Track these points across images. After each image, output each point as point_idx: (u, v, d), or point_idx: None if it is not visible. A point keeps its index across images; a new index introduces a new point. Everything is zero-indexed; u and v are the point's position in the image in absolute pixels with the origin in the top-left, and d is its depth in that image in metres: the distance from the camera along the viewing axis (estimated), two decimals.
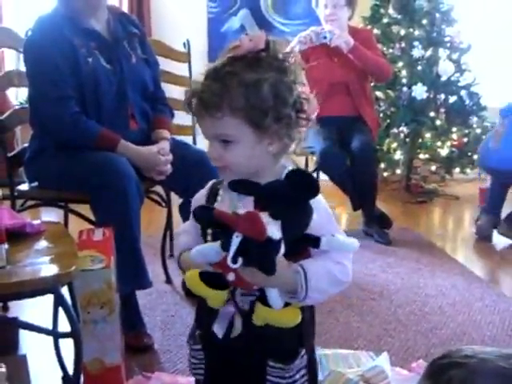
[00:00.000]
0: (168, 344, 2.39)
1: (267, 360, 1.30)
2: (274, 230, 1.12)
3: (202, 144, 3.67)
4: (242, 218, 1.12)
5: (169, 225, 3.13)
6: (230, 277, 1.17)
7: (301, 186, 1.15)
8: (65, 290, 1.74)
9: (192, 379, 2.07)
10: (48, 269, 1.63)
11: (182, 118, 3.86)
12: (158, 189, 2.87)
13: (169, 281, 3.01)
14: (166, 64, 3.91)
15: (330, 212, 1.29)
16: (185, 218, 2.76)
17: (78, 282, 1.80)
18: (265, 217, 1.12)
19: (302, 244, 1.22)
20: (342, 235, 1.24)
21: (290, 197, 1.15)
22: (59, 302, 1.63)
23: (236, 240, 1.11)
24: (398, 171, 5.09)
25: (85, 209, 2.53)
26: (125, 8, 5.20)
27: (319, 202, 1.24)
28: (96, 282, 1.88)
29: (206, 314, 1.30)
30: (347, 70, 3.78)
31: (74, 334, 1.62)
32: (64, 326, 1.75)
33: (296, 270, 1.21)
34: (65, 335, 1.68)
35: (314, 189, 1.16)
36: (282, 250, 1.14)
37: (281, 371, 1.30)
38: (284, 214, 1.14)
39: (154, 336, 2.42)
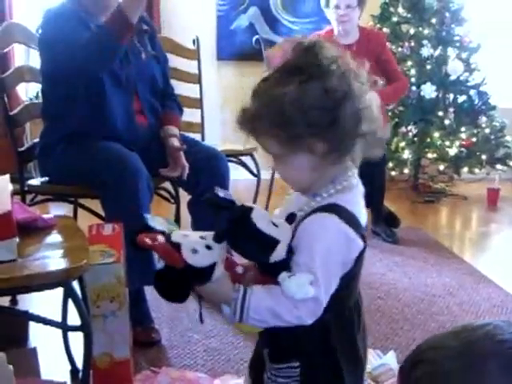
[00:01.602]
0: (175, 339, 2.40)
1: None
2: (202, 257, 1.17)
3: (211, 141, 3.73)
4: (157, 248, 1.19)
5: (177, 221, 3.14)
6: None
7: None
8: (75, 284, 1.75)
9: (199, 375, 2.10)
10: (59, 263, 1.63)
11: (191, 115, 3.90)
12: (167, 185, 2.88)
13: None
14: (175, 61, 3.93)
15: (313, 246, 1.18)
16: (193, 215, 2.77)
17: (88, 276, 1.81)
18: (200, 243, 1.18)
19: (273, 269, 1.19)
20: (305, 278, 1.15)
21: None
22: (70, 295, 1.64)
23: (158, 264, 1.22)
24: (406, 170, 5.08)
25: (94, 204, 2.54)
26: None
27: (311, 233, 1.19)
28: (106, 277, 1.89)
29: None
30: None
31: (84, 328, 1.63)
32: (73, 319, 1.76)
33: (234, 296, 1.19)
34: (75, 328, 1.68)
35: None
36: (219, 272, 1.19)
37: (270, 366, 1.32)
38: (232, 241, 1.18)
39: (161, 331, 2.43)
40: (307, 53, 1.19)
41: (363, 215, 1.27)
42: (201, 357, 2.27)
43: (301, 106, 1.15)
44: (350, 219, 1.20)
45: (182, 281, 1.19)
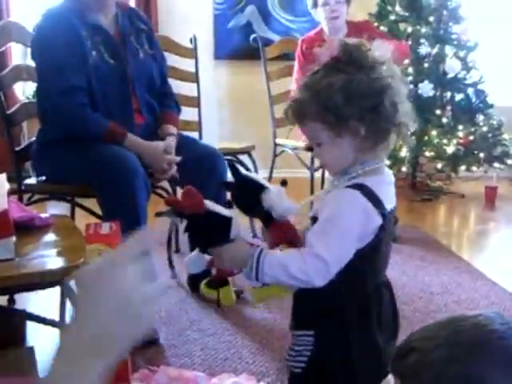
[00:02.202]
0: (173, 339, 2.40)
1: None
2: (222, 209, 1.35)
3: (209, 140, 3.72)
4: (182, 195, 1.33)
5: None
6: (213, 270, 1.38)
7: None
8: (72, 283, 1.74)
9: (197, 374, 2.10)
10: (56, 261, 1.63)
11: (189, 113, 3.89)
12: (164, 184, 2.88)
13: (174, 276, 3.01)
14: (172, 60, 3.92)
15: (331, 214, 1.30)
16: None
17: None
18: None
19: None
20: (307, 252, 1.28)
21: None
22: (67, 294, 1.63)
23: (182, 225, 1.32)
24: (404, 169, 5.08)
25: (91, 203, 2.54)
26: (132, 4, 5.21)
27: (332, 202, 1.32)
28: None
29: None
30: None
31: None
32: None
33: (251, 253, 1.31)
34: None
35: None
36: (237, 231, 1.35)
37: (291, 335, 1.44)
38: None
39: (159, 331, 2.42)
40: (354, 51, 1.33)
41: (389, 199, 1.36)
42: (198, 356, 2.27)
43: (347, 93, 1.28)
44: (371, 196, 1.30)
45: (205, 225, 1.33)
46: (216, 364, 2.22)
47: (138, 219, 2.30)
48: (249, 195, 1.41)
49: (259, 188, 1.39)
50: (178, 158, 2.56)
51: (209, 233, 1.34)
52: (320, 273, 1.27)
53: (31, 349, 2.03)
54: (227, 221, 1.34)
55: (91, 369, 0.71)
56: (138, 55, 2.65)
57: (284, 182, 1.45)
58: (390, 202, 1.35)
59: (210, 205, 1.35)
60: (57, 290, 1.70)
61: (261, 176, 1.51)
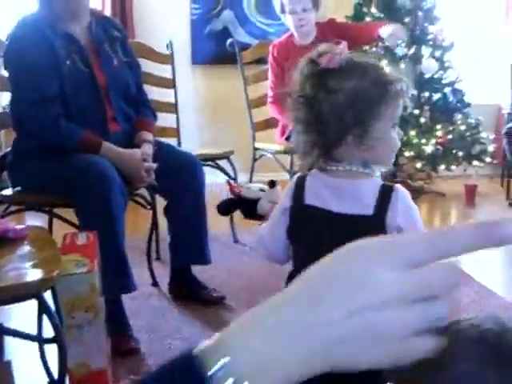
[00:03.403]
0: (155, 347, 2.38)
1: None
2: (250, 193, 1.78)
3: (188, 146, 3.71)
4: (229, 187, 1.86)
5: (154, 227, 3.12)
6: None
7: None
8: (48, 295, 1.73)
9: None
10: (31, 274, 1.61)
11: (167, 119, 3.88)
12: (143, 191, 2.87)
13: (155, 284, 2.99)
14: (149, 66, 3.91)
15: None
16: (170, 220, 2.77)
17: (61, 286, 1.79)
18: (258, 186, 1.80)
19: None
20: None
21: None
22: (42, 307, 1.62)
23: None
24: (384, 169, 5.08)
25: (69, 213, 2.52)
26: (108, 10, 5.19)
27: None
28: (80, 286, 1.86)
29: None
30: None
31: (57, 340, 1.61)
32: (50, 330, 1.74)
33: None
34: (49, 341, 1.66)
35: None
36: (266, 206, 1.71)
37: None
38: None
39: (140, 339, 2.41)
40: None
41: (324, 200, 1.38)
42: None
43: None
44: (299, 186, 1.41)
45: (232, 204, 1.86)
46: None
47: (115, 228, 2.29)
48: (247, 209, 1.78)
49: (253, 202, 1.74)
50: (155, 165, 2.55)
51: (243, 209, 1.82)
52: (257, 243, 1.54)
53: (9, 363, 2.02)
54: (253, 202, 1.75)
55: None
56: (113, 63, 2.64)
57: (272, 183, 1.71)
58: (323, 203, 1.37)
59: (245, 189, 1.80)
60: (34, 303, 1.68)
61: (243, 181, 1.62)
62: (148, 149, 2.58)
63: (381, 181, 1.36)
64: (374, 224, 1.30)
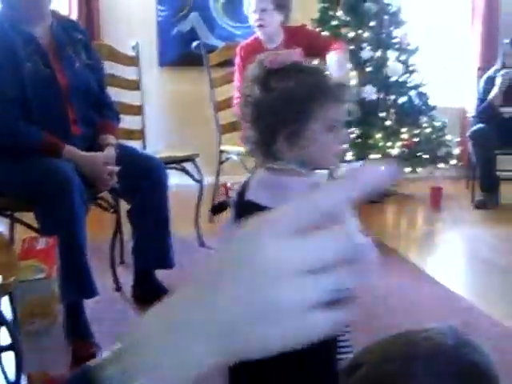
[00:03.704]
0: None
1: None
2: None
3: (154, 148, 3.69)
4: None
5: (118, 231, 3.09)
6: None
7: None
8: (6, 301, 1.70)
9: None
10: None
11: (132, 122, 3.86)
12: (106, 194, 2.84)
13: (119, 288, 2.96)
14: (115, 68, 3.88)
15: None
16: (133, 224, 2.75)
17: (18, 292, 1.77)
18: None
19: None
20: None
21: None
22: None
23: None
24: None
25: (31, 218, 2.49)
26: (74, 12, 5.15)
27: None
28: (38, 292, 1.84)
29: None
30: None
31: (13, 347, 1.59)
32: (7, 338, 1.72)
33: None
34: (6, 348, 1.64)
35: None
36: None
37: None
38: None
39: (102, 345, 2.38)
40: None
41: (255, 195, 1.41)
42: None
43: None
44: (246, 181, 1.45)
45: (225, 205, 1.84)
46: None
47: (76, 232, 2.26)
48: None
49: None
50: (117, 169, 2.53)
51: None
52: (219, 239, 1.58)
53: None
54: None
55: (196, 352, 0.49)
56: (75, 65, 2.61)
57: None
58: (259, 198, 1.39)
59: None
60: None
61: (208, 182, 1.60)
62: (110, 152, 2.56)
63: (314, 181, 1.39)
64: None
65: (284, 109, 1.33)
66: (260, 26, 3.66)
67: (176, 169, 3.58)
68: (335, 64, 3.49)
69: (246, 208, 1.44)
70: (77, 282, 2.28)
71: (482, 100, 4.97)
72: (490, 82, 4.93)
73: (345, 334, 1.46)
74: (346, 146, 1.41)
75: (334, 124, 1.38)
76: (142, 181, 2.63)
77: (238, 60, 3.85)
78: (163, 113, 5.43)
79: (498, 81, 4.81)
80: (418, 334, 0.90)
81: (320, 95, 1.34)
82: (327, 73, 1.42)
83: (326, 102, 1.34)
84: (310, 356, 1.24)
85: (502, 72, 4.82)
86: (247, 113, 1.40)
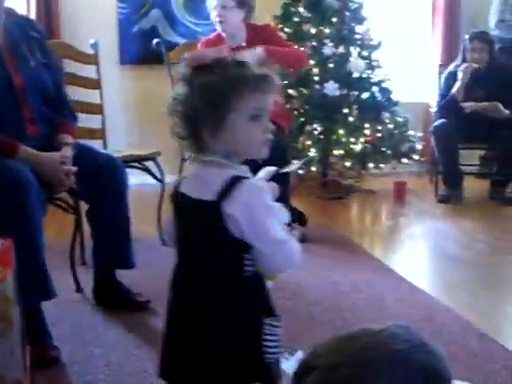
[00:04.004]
0: (76, 356, 2.32)
1: None
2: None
3: (116, 147, 3.64)
4: None
5: (78, 231, 3.04)
6: None
7: None
8: None
9: None
10: None
11: (93, 121, 3.81)
12: (65, 195, 2.79)
13: (79, 289, 2.92)
14: (74, 67, 3.83)
15: None
16: (92, 224, 2.71)
17: None
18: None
19: None
20: None
21: None
22: None
23: None
24: (314, 168, 5.11)
25: None
26: (33, 10, 5.07)
27: None
28: None
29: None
30: None
31: None
32: None
33: None
34: None
35: None
36: None
37: None
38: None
39: (62, 348, 2.34)
40: None
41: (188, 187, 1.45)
42: (102, 371, 2.20)
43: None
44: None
45: None
46: (120, 379, 2.15)
47: (33, 233, 2.22)
48: None
49: None
50: (75, 168, 2.48)
51: None
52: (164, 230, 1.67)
53: None
54: None
55: None
56: (30, 64, 2.56)
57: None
58: (189, 190, 1.44)
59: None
60: None
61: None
62: (67, 151, 2.52)
63: (237, 173, 1.39)
64: (210, 209, 1.36)
65: (203, 102, 1.36)
66: (220, 22, 3.63)
67: (138, 168, 3.54)
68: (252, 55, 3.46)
69: (180, 200, 1.46)
70: (34, 283, 2.23)
71: (443, 96, 5.00)
72: (451, 78, 4.97)
73: (275, 330, 1.46)
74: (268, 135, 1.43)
75: (257, 113, 1.39)
76: (101, 180, 2.59)
77: None
78: (124, 111, 5.37)
79: (460, 75, 4.85)
80: (372, 338, 0.89)
81: (239, 86, 1.36)
82: (251, 65, 1.41)
83: (246, 92, 1.37)
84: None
85: (462, 66, 4.86)
86: (176, 108, 1.42)
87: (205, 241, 1.42)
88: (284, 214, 1.46)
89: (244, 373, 1.43)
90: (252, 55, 1.50)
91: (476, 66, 4.83)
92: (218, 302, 1.41)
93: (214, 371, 1.42)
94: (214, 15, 3.67)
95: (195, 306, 1.44)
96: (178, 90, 1.41)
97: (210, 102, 1.36)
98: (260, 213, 1.36)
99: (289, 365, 2.02)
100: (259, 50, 3.46)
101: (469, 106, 4.80)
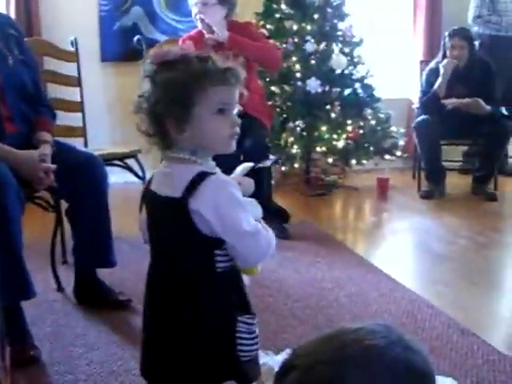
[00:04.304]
0: (57, 355, 2.30)
1: None
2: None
3: (96, 145, 3.62)
4: None
5: (59, 230, 3.01)
6: None
7: None
8: None
9: None
10: None
11: (73, 118, 3.78)
12: (45, 194, 2.77)
13: (60, 289, 2.89)
14: (55, 64, 3.81)
15: None
16: (72, 223, 2.68)
17: None
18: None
19: None
20: None
21: None
22: None
23: None
24: (297, 165, 5.10)
25: None
26: (12, 7, 5.01)
27: None
28: None
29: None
30: None
31: None
32: None
33: None
34: None
35: None
36: None
37: None
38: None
39: (42, 348, 2.32)
40: None
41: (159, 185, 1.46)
42: (83, 371, 2.18)
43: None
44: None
45: None
46: (101, 378, 2.13)
47: (11, 233, 2.19)
48: None
49: None
50: (54, 166, 2.46)
51: None
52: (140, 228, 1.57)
53: None
54: None
55: None
56: (7, 62, 2.54)
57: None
58: (158, 188, 1.44)
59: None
60: None
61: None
62: (46, 149, 2.50)
63: (203, 169, 1.39)
64: (178, 206, 1.36)
65: (167, 98, 1.36)
66: (201, 19, 3.62)
67: (119, 166, 3.52)
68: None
69: (150, 198, 1.47)
70: (13, 283, 2.21)
71: (425, 92, 5.01)
72: (433, 74, 4.98)
73: (250, 327, 1.45)
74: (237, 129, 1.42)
75: (223, 107, 1.39)
76: (81, 179, 2.56)
77: None
78: (105, 109, 5.33)
79: (442, 70, 4.86)
80: (350, 335, 0.89)
81: (201, 80, 1.36)
82: (215, 59, 1.40)
83: (210, 87, 1.36)
84: None
85: (443, 62, 4.87)
86: (142, 106, 1.42)
87: (175, 239, 1.41)
88: (257, 209, 1.45)
89: (218, 371, 1.42)
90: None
91: (456, 61, 4.84)
92: (190, 300, 1.40)
93: (189, 369, 1.41)
94: (194, 12, 3.66)
95: (169, 305, 1.43)
96: (143, 88, 1.41)
97: (173, 98, 1.35)
98: (226, 207, 1.35)
99: (276, 362, 2.02)
100: (225, 34, 3.49)
101: (450, 102, 4.81)
